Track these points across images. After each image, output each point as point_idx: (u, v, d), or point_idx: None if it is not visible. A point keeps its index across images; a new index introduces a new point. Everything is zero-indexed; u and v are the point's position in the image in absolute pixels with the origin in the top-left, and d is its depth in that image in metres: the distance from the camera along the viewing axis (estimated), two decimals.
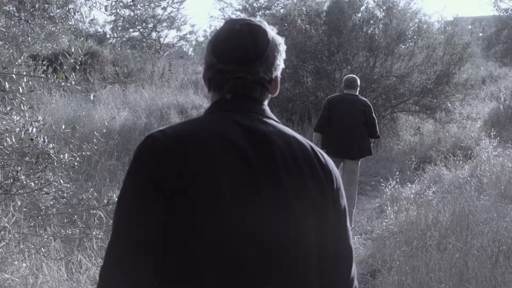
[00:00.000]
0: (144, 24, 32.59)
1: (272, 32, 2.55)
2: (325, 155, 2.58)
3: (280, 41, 2.56)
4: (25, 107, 5.60)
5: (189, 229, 2.25)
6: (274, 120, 2.55)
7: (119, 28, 32.35)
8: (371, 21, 18.64)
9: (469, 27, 22.96)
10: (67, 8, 5.84)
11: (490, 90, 26.75)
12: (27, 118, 5.71)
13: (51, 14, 5.60)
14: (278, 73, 2.57)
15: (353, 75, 10.97)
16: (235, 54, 2.46)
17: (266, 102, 2.59)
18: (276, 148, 2.42)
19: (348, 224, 2.58)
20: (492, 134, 15.32)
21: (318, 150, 2.56)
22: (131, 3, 8.13)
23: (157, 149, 2.31)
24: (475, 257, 6.84)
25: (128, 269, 2.20)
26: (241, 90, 2.50)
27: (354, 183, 10.24)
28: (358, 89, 10.66)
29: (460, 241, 7.29)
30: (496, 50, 27.52)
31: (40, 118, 5.96)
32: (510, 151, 13.63)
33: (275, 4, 27.86)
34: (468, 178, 11.51)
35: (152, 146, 2.33)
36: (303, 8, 18.93)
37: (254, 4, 28.44)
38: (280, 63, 2.56)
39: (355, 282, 2.60)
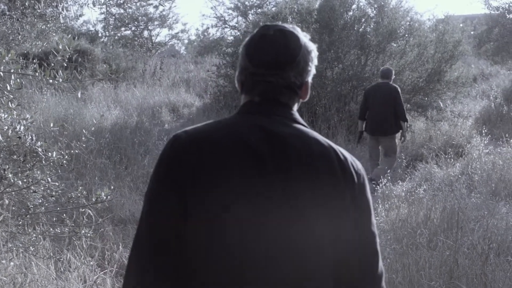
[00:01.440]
0: (136, 22, 32.54)
1: (304, 38, 2.61)
2: (346, 153, 2.59)
3: (312, 48, 2.62)
4: (13, 105, 5.57)
5: (199, 226, 2.37)
6: (301, 124, 2.61)
7: (111, 27, 32.30)
8: (363, 20, 18.64)
9: (461, 25, 22.96)
10: (55, 4, 5.81)
11: (481, 88, 26.74)
12: (15, 116, 5.68)
13: (39, 11, 5.57)
14: (309, 78, 2.64)
15: (388, 67, 13.36)
16: (267, 58, 2.54)
17: (295, 107, 2.66)
18: (292, 150, 2.46)
19: (372, 222, 2.61)
20: (483, 132, 15.31)
21: (339, 149, 2.58)
22: (122, 1, 8.10)
23: (176, 148, 2.45)
24: (465, 254, 6.84)
25: (144, 261, 2.39)
26: (271, 94, 2.58)
27: (389, 157, 12.46)
28: (393, 77, 12.76)
29: (451, 238, 7.29)
30: (487, 48, 27.60)
31: (28, 116, 5.93)
32: (501, 149, 13.64)
33: (267, 3, 27.79)
34: (459, 176, 11.51)
35: (172, 144, 2.47)
36: (295, 6, 18.88)
37: (246, 3, 28.36)
38: (312, 69, 2.63)
39: (383, 283, 2.61)
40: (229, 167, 2.39)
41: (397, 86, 12.61)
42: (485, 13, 27.58)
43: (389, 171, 11.77)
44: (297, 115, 2.64)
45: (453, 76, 18.51)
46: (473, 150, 14.24)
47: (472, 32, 29.46)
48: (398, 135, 12.67)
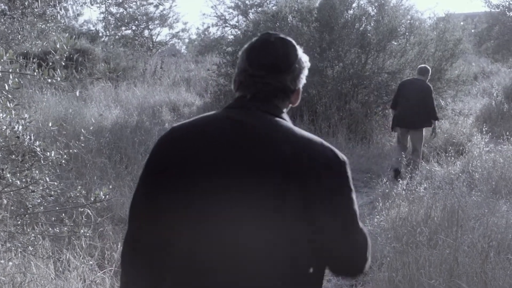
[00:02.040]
0: (136, 22, 32.54)
1: (299, 49, 2.89)
2: (321, 149, 2.71)
3: (306, 59, 2.92)
4: (11, 104, 5.55)
5: (164, 222, 2.69)
6: (281, 118, 2.80)
7: (111, 26, 32.30)
8: (363, 18, 18.61)
9: (461, 23, 22.94)
10: (53, 3, 5.81)
11: (482, 86, 26.74)
12: (13, 116, 5.67)
13: (36, 10, 5.57)
14: (300, 85, 2.91)
15: (426, 65, 13.93)
16: (268, 61, 2.79)
17: (285, 110, 2.89)
18: (253, 142, 2.65)
19: (345, 224, 2.74)
20: (484, 130, 15.31)
21: (311, 145, 2.70)
22: (121, 0, 8.10)
23: (161, 139, 2.81)
24: (465, 253, 6.82)
25: (130, 232, 2.81)
26: (264, 94, 2.80)
27: (419, 149, 13.25)
28: (428, 76, 13.54)
29: (451, 237, 7.27)
30: (487, 46, 27.57)
31: (26, 115, 5.92)
32: (501, 147, 13.61)
33: (267, 2, 27.78)
34: (460, 174, 11.49)
35: (160, 136, 2.83)
36: (295, 5, 18.87)
37: (247, 2, 28.36)
38: (303, 78, 2.91)
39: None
40: (189, 162, 2.66)
41: (430, 85, 13.41)
42: (485, 11, 27.56)
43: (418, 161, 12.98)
44: (283, 114, 2.83)
45: (454, 74, 18.50)
46: (474, 148, 14.24)
47: (473, 30, 29.44)
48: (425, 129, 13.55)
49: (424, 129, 13.43)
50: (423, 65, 13.91)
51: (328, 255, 2.72)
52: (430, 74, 13.65)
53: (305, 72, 2.91)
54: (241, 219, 2.58)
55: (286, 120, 2.79)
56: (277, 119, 2.75)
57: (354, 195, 2.78)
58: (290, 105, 2.92)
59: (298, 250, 2.63)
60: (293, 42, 2.88)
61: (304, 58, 2.90)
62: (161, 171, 2.71)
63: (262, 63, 2.78)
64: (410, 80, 13.70)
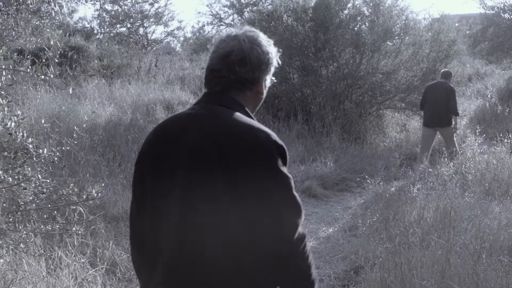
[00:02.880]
0: (131, 19, 32.50)
1: (263, 41, 3.10)
2: (255, 135, 2.89)
3: (270, 51, 3.12)
4: (3, 101, 5.53)
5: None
6: (233, 109, 2.99)
7: (106, 24, 32.25)
8: (358, 18, 18.62)
9: (456, 24, 22.96)
10: (47, 0, 5.79)
11: (476, 88, 26.77)
12: (6, 112, 5.65)
13: (31, 6, 5.55)
14: (266, 77, 3.15)
15: (448, 70, 15.18)
16: (222, 55, 3.02)
17: (249, 100, 3.13)
18: (196, 134, 2.89)
19: (273, 199, 2.82)
20: (477, 131, 15.32)
21: (241, 131, 2.89)
22: None
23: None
24: (457, 254, 6.82)
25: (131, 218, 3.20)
26: (221, 86, 3.04)
27: (452, 142, 14.23)
28: (451, 78, 14.98)
29: (443, 238, 7.28)
30: (482, 48, 27.57)
31: (19, 112, 5.90)
32: (495, 148, 13.64)
33: (263, 1, 27.77)
34: (453, 175, 11.49)
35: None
36: (290, 4, 18.86)
37: (242, 1, 28.36)
38: (268, 69, 3.13)
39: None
40: (152, 154, 3.01)
41: (453, 87, 14.65)
42: (480, 13, 27.55)
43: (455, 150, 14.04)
44: (236, 105, 3.03)
45: None
46: (467, 149, 14.24)
47: (467, 32, 29.44)
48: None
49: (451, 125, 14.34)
50: (446, 70, 15.05)
51: (260, 237, 2.79)
52: (452, 76, 15.21)
53: (269, 64, 3.11)
54: (189, 208, 2.83)
55: (236, 111, 2.97)
56: (225, 109, 2.96)
57: (282, 178, 2.86)
58: (260, 96, 3.17)
59: (239, 232, 2.78)
60: (252, 35, 3.08)
61: (267, 50, 3.08)
62: (138, 175, 3.07)
63: (218, 57, 3.03)
64: (435, 83, 14.64)
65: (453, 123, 14.32)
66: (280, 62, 3.24)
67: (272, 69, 3.16)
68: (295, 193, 2.86)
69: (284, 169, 2.86)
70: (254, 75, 3.06)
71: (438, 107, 14.14)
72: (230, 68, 3.00)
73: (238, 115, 2.94)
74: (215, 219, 2.78)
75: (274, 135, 2.91)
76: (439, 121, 14.26)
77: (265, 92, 3.18)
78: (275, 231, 2.76)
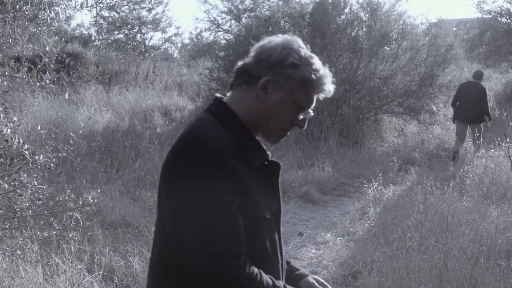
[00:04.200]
0: (128, 26, 32.49)
1: (284, 42, 2.80)
2: (181, 138, 2.73)
3: (288, 50, 2.76)
4: (0, 107, 5.53)
5: None
6: (211, 113, 2.82)
7: (104, 30, 32.24)
8: (355, 23, 18.61)
9: (454, 29, 22.94)
10: (43, 7, 5.79)
11: None
12: (2, 119, 5.64)
13: (27, 13, 5.55)
14: (267, 75, 2.74)
15: (480, 70, 17.41)
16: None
17: (239, 102, 2.83)
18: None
19: (182, 214, 2.59)
20: (475, 135, 15.33)
21: (183, 137, 2.72)
22: (112, 4, 8.08)
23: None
24: (455, 258, 6.82)
25: None
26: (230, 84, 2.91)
27: (479, 138, 15.55)
28: (482, 78, 16.66)
29: (441, 242, 7.27)
30: (479, 52, 27.57)
31: (15, 119, 5.89)
32: (493, 152, 13.65)
33: (260, 6, 27.76)
34: (451, 180, 11.50)
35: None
36: (287, 9, 18.87)
37: (240, 6, 28.32)
38: (277, 69, 2.74)
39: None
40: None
41: (485, 87, 16.48)
42: (477, 17, 27.55)
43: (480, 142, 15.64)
44: (218, 107, 2.85)
45: (446, 80, 18.52)
46: (465, 153, 14.24)
47: (465, 36, 29.43)
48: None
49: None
50: (478, 70, 17.00)
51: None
52: (483, 76, 16.96)
53: (285, 63, 2.73)
54: (158, 213, 2.79)
55: (212, 119, 2.76)
56: (202, 115, 2.81)
57: (197, 184, 2.54)
58: (262, 107, 2.77)
59: (168, 238, 2.71)
60: (278, 36, 2.84)
61: (291, 49, 2.76)
62: None
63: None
64: (468, 83, 16.45)
65: (485, 121, 15.99)
66: (329, 91, 2.87)
67: (295, 78, 2.73)
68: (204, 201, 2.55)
69: (192, 171, 2.56)
70: (259, 70, 2.73)
71: (470, 105, 15.59)
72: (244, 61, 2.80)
73: (199, 124, 2.72)
74: (156, 225, 2.83)
75: (196, 128, 2.69)
76: (471, 118, 15.72)
77: (274, 106, 2.76)
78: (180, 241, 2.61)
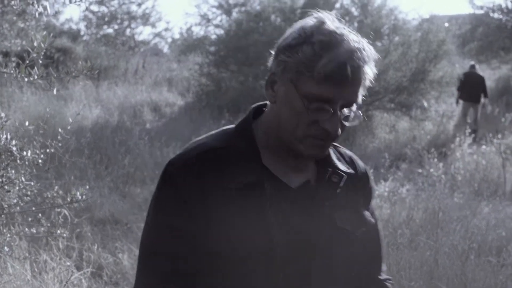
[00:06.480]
0: (118, 20, 32.44)
1: (297, 30, 2.17)
2: None
3: (294, 43, 2.11)
4: None
5: None
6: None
7: (93, 25, 32.19)
8: (346, 18, 18.53)
9: (446, 25, 22.96)
10: (31, 2, 5.72)
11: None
12: None
13: (15, 8, 5.48)
14: (279, 72, 2.11)
15: (473, 63, 20.91)
16: None
17: (268, 111, 2.21)
18: None
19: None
20: (467, 131, 15.32)
21: None
22: None
23: None
24: (446, 254, 6.80)
25: None
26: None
27: (477, 118, 19.01)
28: (476, 68, 20.02)
29: (432, 239, 7.25)
30: (471, 48, 27.62)
31: (3, 114, 5.83)
32: (484, 148, 13.65)
33: (251, 1, 27.75)
34: (442, 176, 11.48)
35: None
36: (278, 4, 18.84)
37: (230, 1, 28.27)
38: (285, 64, 2.07)
39: None
40: None
41: (482, 76, 19.85)
42: (469, 13, 27.60)
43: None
44: (242, 121, 2.25)
45: (438, 76, 18.52)
46: (457, 150, 14.25)
47: (457, 32, 29.46)
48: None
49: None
50: (472, 63, 20.71)
51: None
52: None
53: (279, 48, 2.12)
54: None
55: (224, 130, 2.24)
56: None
57: (154, 218, 2.15)
58: (278, 111, 2.11)
59: None
60: (299, 22, 2.20)
61: (293, 32, 2.14)
62: None
63: None
64: (470, 71, 19.68)
65: (484, 102, 19.83)
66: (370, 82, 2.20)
67: (290, 63, 2.05)
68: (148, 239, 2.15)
69: (159, 206, 2.13)
70: (274, 68, 2.12)
71: (476, 89, 19.01)
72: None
73: (206, 136, 2.22)
74: None
75: (180, 155, 2.17)
76: (476, 98, 19.05)
77: (282, 104, 2.10)
78: None
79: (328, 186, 2.23)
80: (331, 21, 2.20)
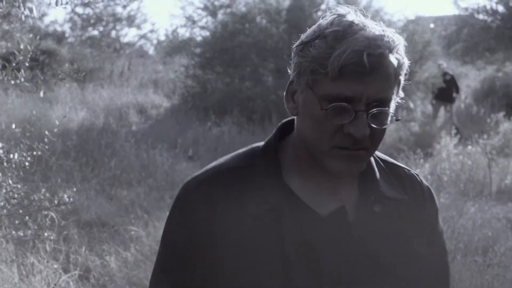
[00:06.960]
0: (103, 22, 32.38)
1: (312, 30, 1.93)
2: None
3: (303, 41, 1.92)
4: None
5: None
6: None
7: (78, 27, 32.13)
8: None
9: (431, 26, 23.03)
10: (17, 4, 5.71)
11: None
12: None
13: (1, 10, 5.46)
14: (293, 76, 1.89)
15: (442, 62, 21.51)
16: None
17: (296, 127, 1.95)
18: None
19: None
20: (452, 132, 15.37)
21: None
22: (87, 1, 8.01)
23: None
24: None
25: None
26: None
27: (452, 116, 19.68)
28: (445, 67, 20.97)
29: None
30: (456, 49, 27.70)
31: None
32: (470, 148, 13.69)
33: (236, 3, 27.78)
34: (428, 177, 11.50)
35: None
36: (263, 6, 18.84)
37: (216, 3, 28.28)
38: (295, 66, 1.88)
39: None
40: None
41: (453, 75, 20.53)
42: (454, 14, 27.68)
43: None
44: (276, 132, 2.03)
45: (423, 77, 18.59)
46: (443, 150, 14.29)
47: (442, 33, 29.55)
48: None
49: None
50: (439, 62, 21.31)
51: None
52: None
53: (304, 59, 1.83)
54: None
55: (250, 148, 2.01)
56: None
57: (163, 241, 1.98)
58: (301, 122, 1.87)
59: None
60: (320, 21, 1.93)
61: (309, 32, 1.92)
62: None
63: None
64: (444, 72, 20.03)
65: (455, 98, 20.15)
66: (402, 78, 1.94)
67: (304, 64, 1.82)
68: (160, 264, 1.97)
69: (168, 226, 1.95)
70: (294, 79, 1.87)
71: (448, 89, 19.48)
72: None
73: (233, 154, 1.98)
74: None
75: (195, 175, 1.93)
76: (448, 97, 19.60)
77: (303, 113, 1.84)
78: None
79: (368, 215, 1.87)
80: (351, 14, 1.87)
